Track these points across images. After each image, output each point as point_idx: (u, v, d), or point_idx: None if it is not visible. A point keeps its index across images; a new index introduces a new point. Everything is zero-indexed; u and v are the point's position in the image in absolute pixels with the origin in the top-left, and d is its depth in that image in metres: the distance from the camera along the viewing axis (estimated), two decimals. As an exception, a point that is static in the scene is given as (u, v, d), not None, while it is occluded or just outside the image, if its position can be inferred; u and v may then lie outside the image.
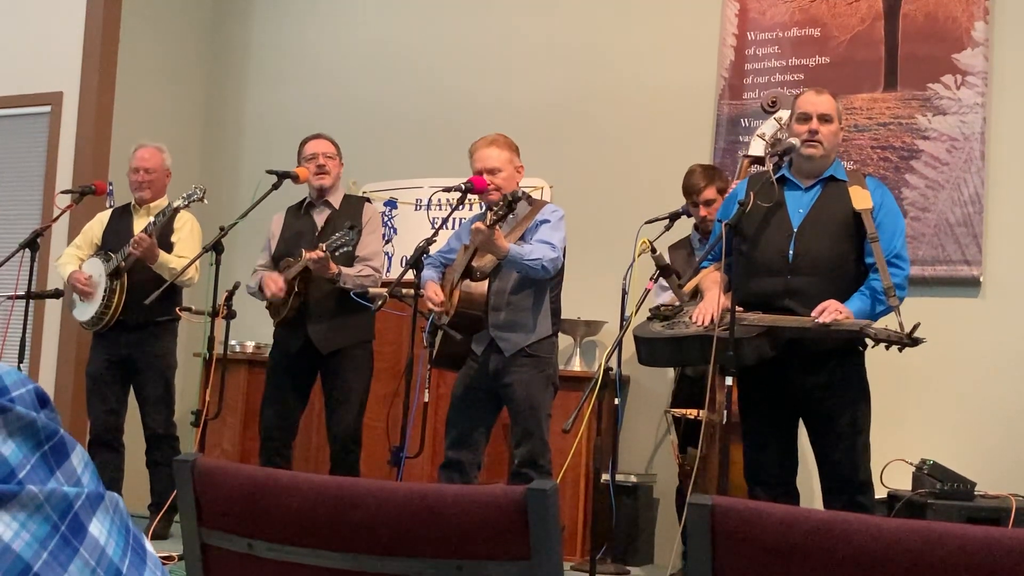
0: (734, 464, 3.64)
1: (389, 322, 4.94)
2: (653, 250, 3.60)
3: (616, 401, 4.09)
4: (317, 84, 6.47)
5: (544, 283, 4.06)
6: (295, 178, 4.60)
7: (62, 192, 5.39)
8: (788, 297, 3.48)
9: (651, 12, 5.59)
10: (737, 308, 3.32)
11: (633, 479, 4.98)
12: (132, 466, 5.07)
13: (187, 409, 5.09)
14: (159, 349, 4.94)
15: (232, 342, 5.06)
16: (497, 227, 3.85)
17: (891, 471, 4.09)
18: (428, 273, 4.19)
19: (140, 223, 4.94)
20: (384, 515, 1.27)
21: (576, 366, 5.22)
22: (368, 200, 4.96)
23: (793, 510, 1.19)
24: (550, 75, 5.78)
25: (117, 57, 6.18)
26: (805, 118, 3.60)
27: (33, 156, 6.27)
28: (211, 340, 4.51)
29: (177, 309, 4.80)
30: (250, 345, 5.84)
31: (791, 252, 3.51)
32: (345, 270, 4.43)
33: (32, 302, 5.20)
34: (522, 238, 4.05)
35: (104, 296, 4.82)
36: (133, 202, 5.09)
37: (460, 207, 4.34)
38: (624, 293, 4.21)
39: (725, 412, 3.35)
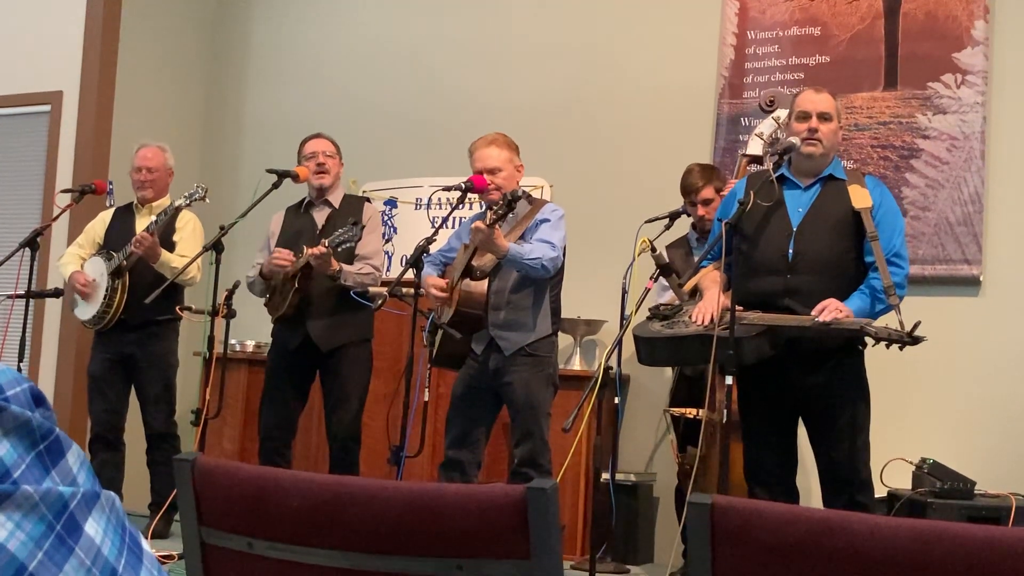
0: (734, 463, 3.64)
1: (389, 321, 4.94)
2: (653, 249, 3.60)
3: (616, 400, 4.09)
4: (317, 83, 6.47)
5: (544, 282, 4.06)
6: (295, 177, 4.60)
7: (62, 191, 5.39)
8: (788, 296, 3.48)
9: (651, 11, 5.59)
10: (737, 307, 3.32)
11: (633, 478, 4.99)
12: (132, 465, 5.07)
13: (187, 408, 5.09)
14: (160, 348, 4.95)
15: (232, 341, 5.07)
16: (497, 226, 3.85)
17: (891, 470, 4.09)
18: (428, 271, 4.19)
19: (142, 222, 4.94)
20: (384, 514, 1.27)
21: (576, 365, 5.22)
22: (368, 200, 4.96)
23: (793, 509, 1.19)
24: (550, 74, 5.78)
25: (117, 56, 6.18)
26: (804, 116, 3.60)
27: (33, 155, 6.27)
28: (211, 339, 4.51)
29: (177, 308, 4.80)
30: (250, 344, 5.84)
31: (791, 251, 3.51)
32: (346, 268, 4.43)
33: (32, 301, 5.20)
34: (522, 237, 4.05)
35: (106, 295, 4.83)
36: (135, 201, 5.10)
37: (460, 206, 4.34)
38: (624, 292, 4.21)
39: (725, 411, 3.35)
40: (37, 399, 0.63)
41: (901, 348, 3.15)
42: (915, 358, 3.58)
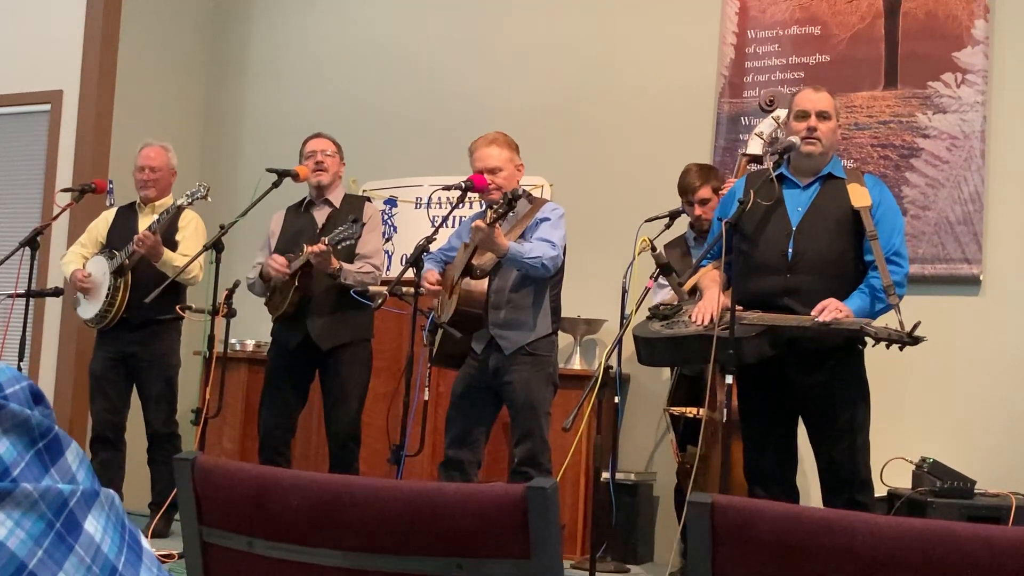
0: (734, 463, 3.64)
1: (389, 320, 4.94)
2: (653, 248, 3.60)
3: (616, 400, 4.09)
4: (317, 83, 6.47)
5: (544, 281, 4.05)
6: (295, 176, 4.60)
7: (62, 190, 5.39)
8: (787, 296, 3.48)
9: (651, 10, 5.59)
10: (736, 307, 3.32)
11: (633, 477, 4.99)
12: (133, 464, 5.07)
13: (187, 407, 5.09)
14: (162, 347, 4.95)
15: (232, 340, 5.07)
16: (497, 225, 3.85)
17: (891, 469, 4.09)
18: (428, 267, 4.19)
19: (145, 221, 4.94)
20: (384, 513, 1.27)
21: (576, 364, 5.22)
22: (368, 199, 4.96)
23: (793, 508, 1.19)
24: (550, 74, 5.78)
25: (117, 55, 6.17)
26: (803, 116, 3.59)
27: (33, 154, 6.27)
28: (211, 338, 4.51)
29: (178, 308, 4.80)
30: (250, 344, 5.84)
31: (790, 251, 3.50)
32: (346, 266, 4.43)
33: (32, 300, 5.20)
34: (522, 236, 4.05)
35: (108, 294, 4.83)
36: (138, 200, 5.10)
37: (460, 205, 4.33)
38: (624, 291, 4.21)
39: (725, 411, 3.35)
40: (36, 397, 0.63)
41: (901, 348, 3.15)
42: (915, 357, 3.58)
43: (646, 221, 4.11)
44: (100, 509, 0.62)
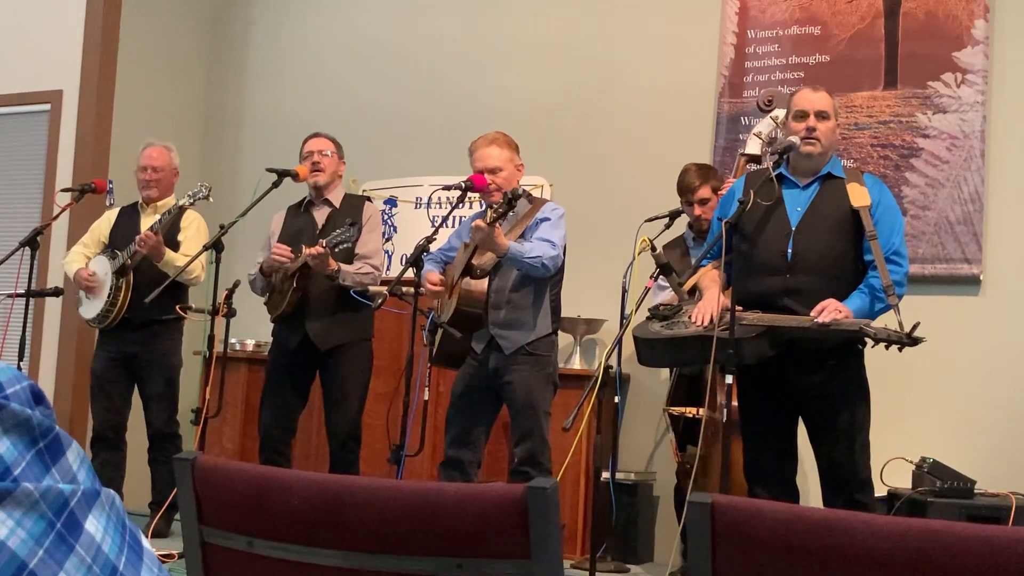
0: (734, 463, 3.63)
1: (389, 320, 4.94)
2: (653, 248, 3.60)
3: (616, 399, 4.09)
4: (317, 82, 6.47)
5: (544, 281, 4.05)
6: (295, 176, 4.60)
7: (62, 190, 5.39)
8: (787, 296, 3.47)
9: (651, 10, 5.59)
10: (736, 307, 3.32)
11: (633, 477, 4.99)
12: (133, 464, 5.07)
13: (187, 407, 5.09)
14: (163, 347, 4.95)
15: (232, 340, 5.07)
16: (497, 225, 3.85)
17: (891, 469, 4.09)
18: (428, 269, 4.19)
19: (147, 221, 4.95)
20: (384, 513, 1.27)
21: (576, 364, 5.22)
22: (368, 199, 4.95)
23: (793, 508, 1.19)
24: (550, 73, 5.78)
25: (117, 55, 6.17)
26: (802, 116, 3.59)
27: (33, 154, 6.27)
28: (211, 338, 4.51)
29: (178, 308, 4.80)
30: (250, 343, 5.84)
31: (789, 251, 3.50)
32: (345, 267, 4.43)
33: (32, 300, 5.20)
34: (522, 236, 4.05)
35: (109, 294, 4.84)
36: (141, 201, 5.11)
37: (460, 205, 4.33)
38: (624, 291, 4.21)
39: (725, 411, 3.35)
40: (37, 397, 0.63)
41: (900, 349, 3.15)
42: (915, 357, 3.58)
43: (646, 221, 4.11)
44: (101, 509, 0.62)
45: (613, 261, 4.66)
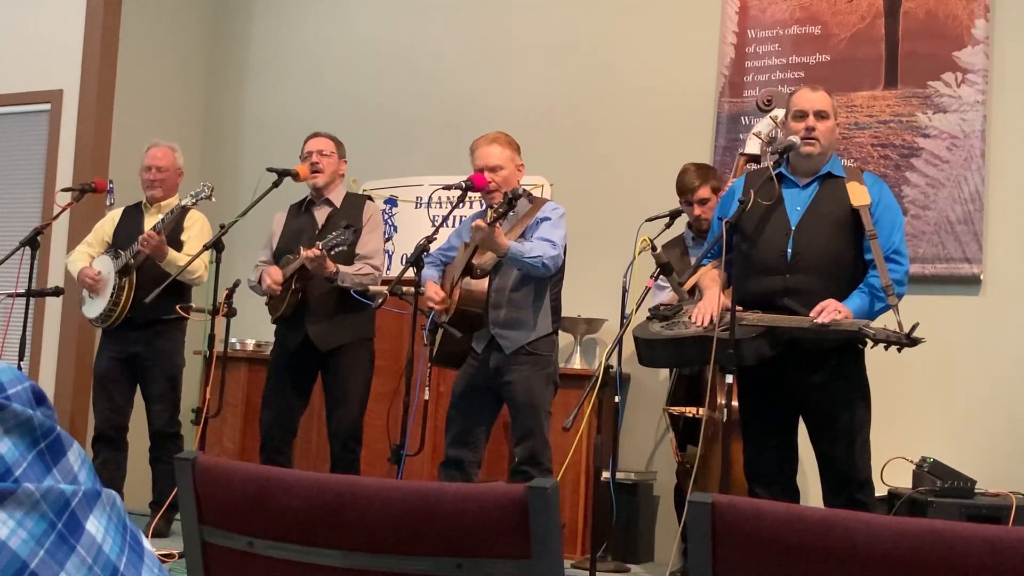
0: (734, 462, 3.64)
1: (389, 320, 4.94)
2: (654, 248, 3.60)
3: (616, 399, 4.09)
4: (317, 82, 6.47)
5: (544, 281, 4.05)
6: (295, 176, 4.60)
7: (62, 190, 5.39)
8: (787, 296, 3.47)
9: (651, 10, 5.59)
10: (736, 307, 3.31)
11: (633, 477, 4.98)
12: (134, 463, 5.07)
13: (187, 407, 5.09)
14: (166, 347, 4.96)
15: (232, 340, 5.07)
16: (497, 224, 3.85)
17: (891, 469, 4.09)
18: (428, 272, 4.18)
19: (151, 221, 4.95)
20: (384, 513, 1.27)
21: (576, 364, 5.22)
22: (369, 198, 4.95)
23: (793, 508, 1.19)
24: (550, 73, 5.78)
25: (117, 55, 6.17)
26: (801, 115, 3.59)
27: (33, 154, 6.27)
28: (211, 338, 4.51)
29: (178, 307, 4.80)
30: (250, 343, 5.84)
31: (789, 250, 3.50)
32: (344, 268, 4.43)
33: (32, 300, 5.20)
34: (523, 235, 4.05)
35: (112, 293, 4.84)
36: (145, 200, 5.11)
37: (460, 205, 4.33)
38: (624, 291, 4.21)
39: (726, 411, 3.35)
40: (38, 398, 0.63)
41: (899, 350, 3.15)
42: (915, 357, 3.58)
43: (646, 221, 4.11)
44: (102, 509, 0.62)
45: (613, 261, 4.65)
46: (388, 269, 5.40)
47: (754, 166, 4.28)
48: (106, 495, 0.63)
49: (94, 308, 4.93)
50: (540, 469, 3.93)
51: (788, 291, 3.47)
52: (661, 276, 3.70)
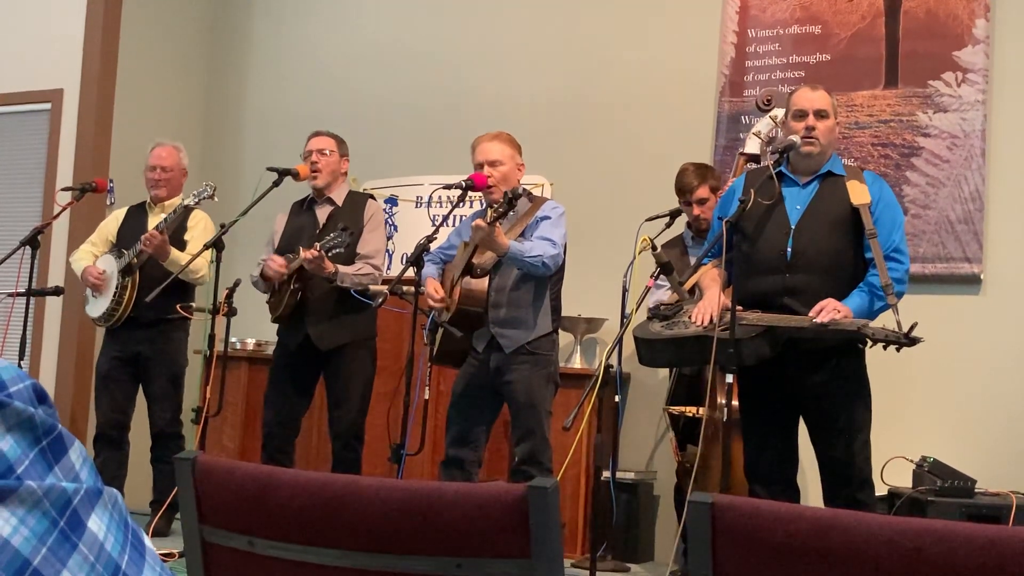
0: (734, 462, 3.64)
1: (389, 319, 4.94)
2: (654, 247, 3.59)
3: (616, 399, 4.09)
4: (318, 81, 6.47)
5: (544, 280, 4.05)
6: (295, 175, 4.60)
7: (62, 189, 5.39)
8: (787, 295, 3.47)
9: (652, 9, 5.59)
10: (736, 307, 3.31)
11: (633, 476, 4.99)
12: (135, 462, 5.07)
13: (188, 406, 5.09)
14: (169, 347, 4.96)
15: (233, 339, 5.07)
16: (497, 224, 3.85)
17: (891, 468, 4.09)
18: (428, 270, 4.18)
19: (155, 221, 4.96)
20: (384, 513, 1.27)
21: (577, 363, 5.22)
22: (371, 197, 4.95)
23: (793, 508, 1.19)
24: (551, 72, 5.78)
25: (118, 54, 6.17)
26: (801, 115, 3.58)
27: (33, 153, 6.27)
28: (212, 337, 4.51)
29: (178, 306, 4.80)
30: (251, 342, 5.84)
31: (789, 250, 3.49)
32: (343, 268, 4.43)
33: (33, 299, 5.20)
34: (523, 235, 4.05)
35: (115, 292, 4.84)
36: (149, 200, 5.12)
37: (460, 204, 4.33)
38: (625, 290, 4.21)
39: (726, 410, 3.35)
40: (40, 396, 0.63)
41: (899, 349, 3.15)
42: (916, 356, 3.58)
43: (646, 220, 4.11)
44: (103, 508, 0.62)
45: (613, 260, 4.65)
46: (388, 269, 5.40)
47: (754, 165, 4.27)
48: (108, 493, 0.63)
49: (97, 307, 4.94)
50: (540, 469, 3.93)
51: (788, 290, 3.47)
52: (661, 276, 3.70)
